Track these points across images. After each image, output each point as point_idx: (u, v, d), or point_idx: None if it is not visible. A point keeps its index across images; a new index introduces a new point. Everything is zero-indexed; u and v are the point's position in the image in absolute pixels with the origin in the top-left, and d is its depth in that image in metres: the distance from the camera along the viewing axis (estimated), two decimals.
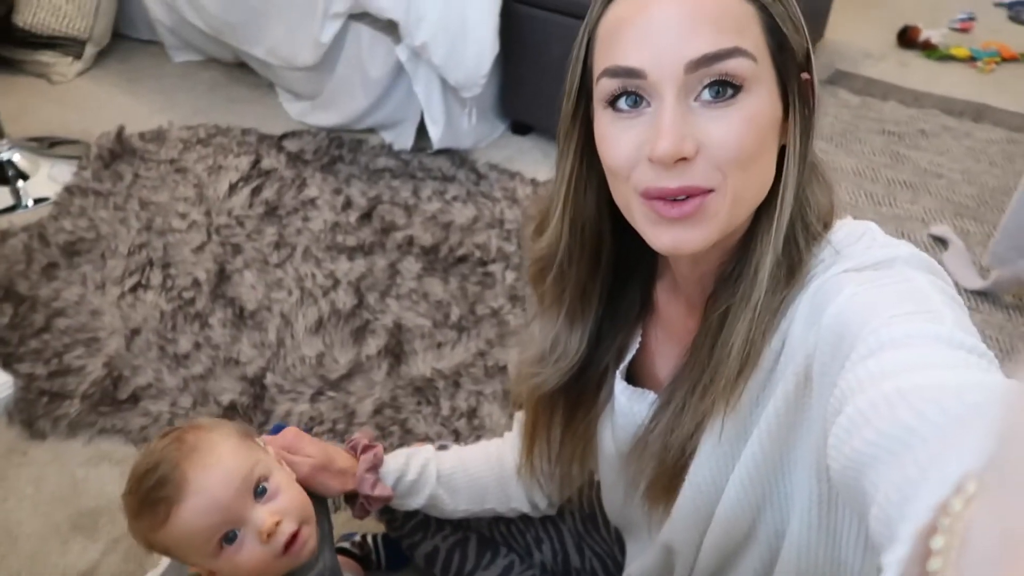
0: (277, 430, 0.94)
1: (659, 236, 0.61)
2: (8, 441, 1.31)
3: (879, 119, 2.42)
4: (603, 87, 0.60)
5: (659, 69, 0.57)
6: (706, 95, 0.57)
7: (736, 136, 0.57)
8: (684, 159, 0.57)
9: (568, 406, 0.83)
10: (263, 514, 0.76)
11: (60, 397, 1.35)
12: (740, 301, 0.63)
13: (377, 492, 0.91)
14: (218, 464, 0.75)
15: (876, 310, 0.53)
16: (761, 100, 0.58)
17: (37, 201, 1.85)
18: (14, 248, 1.67)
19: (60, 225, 1.74)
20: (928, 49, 2.89)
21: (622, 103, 0.59)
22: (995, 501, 0.26)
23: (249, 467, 0.77)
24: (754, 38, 0.58)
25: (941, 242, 1.87)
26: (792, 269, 0.62)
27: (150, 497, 0.73)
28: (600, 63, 0.61)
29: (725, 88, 0.57)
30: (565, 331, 0.77)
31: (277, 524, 0.75)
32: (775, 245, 0.61)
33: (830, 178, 0.66)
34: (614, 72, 0.59)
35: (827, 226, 0.64)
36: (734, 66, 0.56)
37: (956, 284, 1.68)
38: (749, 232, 0.64)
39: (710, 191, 0.58)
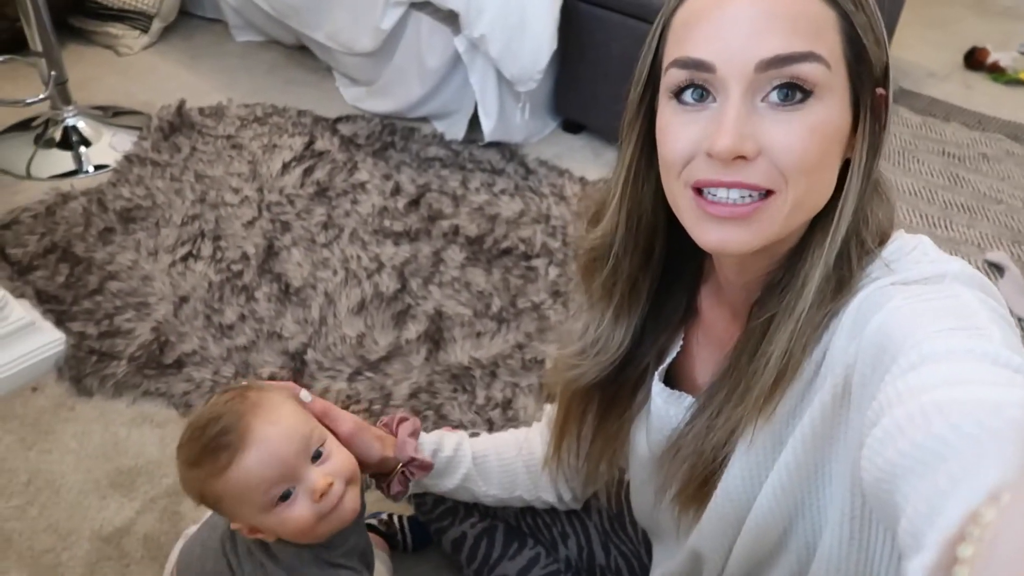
0: None
1: (706, 232, 0.60)
2: (57, 396, 1.35)
3: (940, 140, 2.37)
4: (671, 77, 0.60)
5: (729, 64, 0.56)
6: (774, 97, 0.56)
7: (800, 142, 0.56)
8: (743, 158, 0.56)
9: (603, 403, 0.83)
10: (317, 475, 0.77)
11: (108, 357, 1.39)
12: (784, 312, 0.63)
13: (419, 455, 0.91)
14: (281, 421, 0.77)
15: (920, 324, 0.52)
16: (830, 109, 0.57)
17: (98, 167, 1.90)
18: (73, 211, 1.72)
19: (118, 192, 1.79)
20: (995, 72, 2.82)
21: (688, 95, 0.59)
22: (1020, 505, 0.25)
23: (309, 430, 0.79)
24: (830, 44, 0.57)
25: (997, 268, 1.82)
26: (841, 284, 0.61)
27: (213, 444, 0.74)
28: (671, 53, 0.60)
29: (794, 92, 0.56)
30: (610, 325, 0.77)
31: (330, 485, 0.77)
32: (827, 259, 0.60)
33: (893, 197, 0.65)
34: (683, 63, 0.58)
35: (882, 243, 0.62)
36: (807, 70, 0.56)
37: (1010, 311, 1.64)
38: (802, 242, 0.63)
39: (770, 193, 0.58)
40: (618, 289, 0.75)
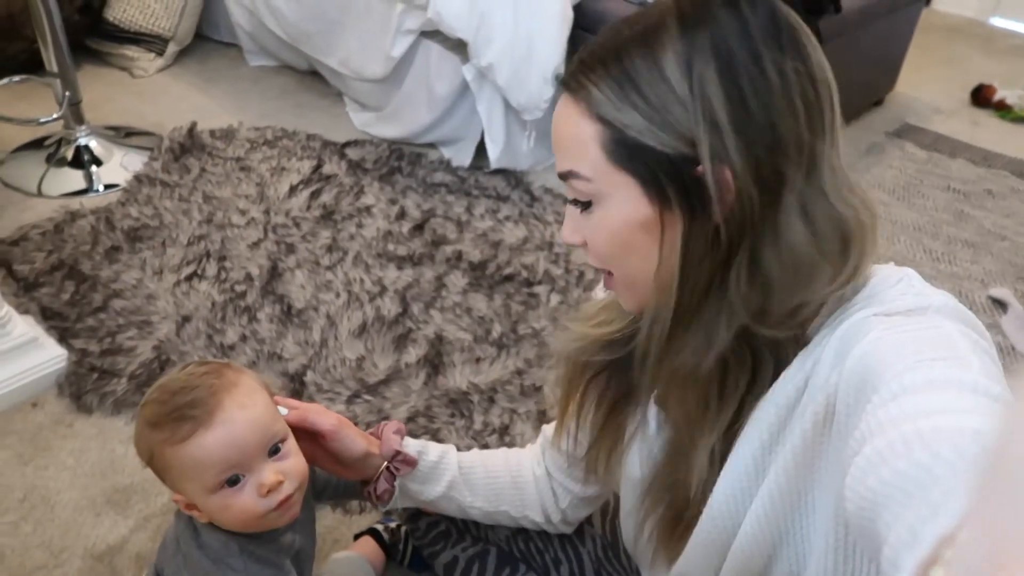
0: None
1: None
2: (56, 412, 1.35)
3: (945, 176, 2.37)
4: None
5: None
6: (579, 206, 0.65)
7: (597, 241, 0.65)
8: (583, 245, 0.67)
9: (615, 393, 0.82)
10: (270, 470, 0.77)
11: (109, 375, 1.40)
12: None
13: (403, 450, 0.90)
14: (252, 407, 0.76)
15: (901, 354, 0.52)
16: (614, 210, 0.63)
17: (108, 186, 1.92)
18: (82, 229, 1.74)
19: (126, 211, 1.81)
20: (1002, 109, 2.83)
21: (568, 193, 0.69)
22: (981, 519, 0.25)
23: (274, 422, 0.79)
24: (592, 158, 0.62)
25: (1000, 304, 1.81)
26: (797, 340, 0.63)
27: (178, 412, 0.73)
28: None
29: (578, 201, 0.65)
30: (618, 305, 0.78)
31: (279, 483, 0.77)
32: (758, 364, 0.65)
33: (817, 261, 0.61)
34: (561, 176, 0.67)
35: (805, 324, 0.62)
36: (577, 185, 0.63)
37: (1013, 348, 1.63)
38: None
39: (609, 272, 0.68)
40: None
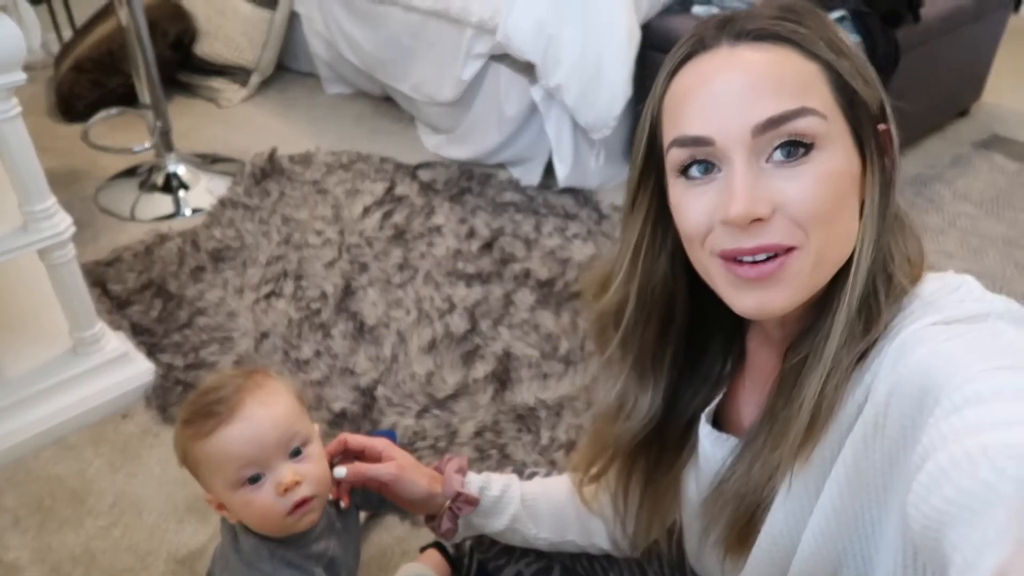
0: (385, 434, 0.98)
1: (741, 299, 0.61)
2: (144, 423, 1.43)
3: None
4: (673, 157, 0.61)
5: (726, 135, 0.58)
6: (778, 155, 0.57)
7: (813, 193, 0.57)
8: (759, 220, 0.57)
9: (649, 462, 0.82)
10: (288, 469, 0.79)
11: (193, 388, 1.46)
12: (814, 354, 0.62)
13: (465, 490, 0.92)
14: (274, 406, 0.79)
15: (964, 364, 0.50)
16: (835, 156, 0.58)
17: (194, 210, 2.02)
18: (169, 251, 1.83)
19: (211, 233, 1.90)
20: None
21: (693, 171, 0.61)
22: None
23: (296, 424, 0.81)
24: (821, 96, 0.58)
25: None
26: (869, 323, 0.60)
27: (204, 409, 0.77)
28: (669, 134, 0.62)
29: (796, 147, 0.57)
30: (634, 389, 0.77)
31: (296, 483, 0.79)
32: (851, 300, 0.60)
33: (918, 230, 0.64)
34: (682, 142, 0.60)
35: (916, 279, 0.61)
36: (803, 125, 0.57)
37: None
38: (829, 285, 0.63)
39: (791, 249, 0.58)
40: (634, 356, 0.75)
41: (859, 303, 0.60)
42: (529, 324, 1.64)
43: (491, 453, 1.35)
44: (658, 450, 0.81)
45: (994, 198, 2.20)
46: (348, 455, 0.96)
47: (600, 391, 0.80)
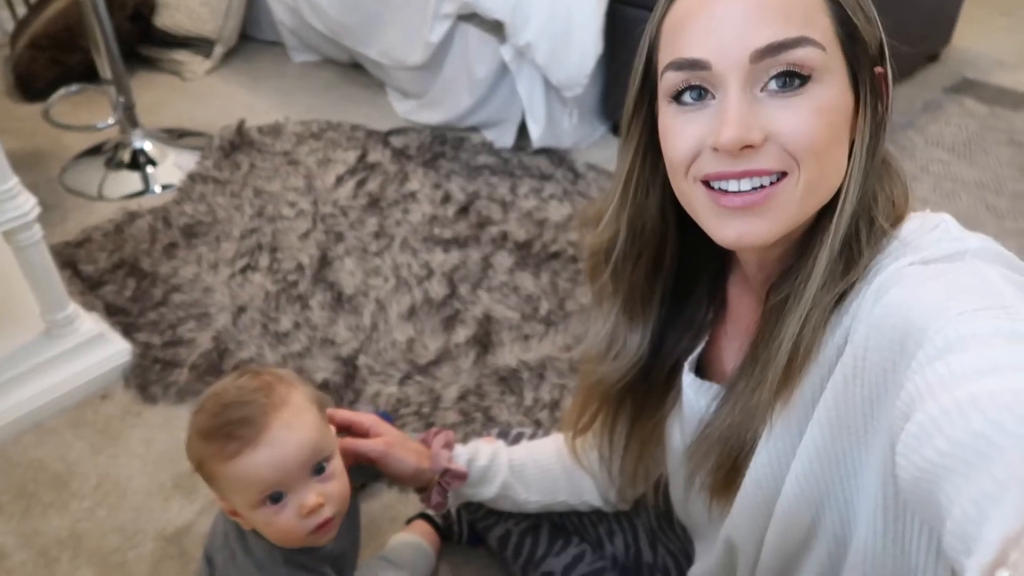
0: (380, 415, 0.97)
1: (722, 228, 0.60)
2: (124, 404, 1.41)
3: (1008, 130, 2.27)
4: (667, 81, 0.60)
5: (723, 59, 0.56)
6: (773, 85, 0.56)
7: (807, 124, 0.56)
8: (750, 147, 0.56)
9: (634, 406, 0.83)
10: (312, 492, 0.78)
11: (171, 366, 1.45)
12: (795, 295, 0.62)
13: (453, 466, 0.92)
14: (300, 428, 0.77)
15: (943, 306, 0.50)
16: (831, 90, 0.57)
17: (164, 187, 1.99)
18: (140, 228, 1.80)
19: (182, 209, 1.87)
20: None
21: (687, 96, 0.59)
22: None
23: (322, 443, 0.79)
24: (823, 27, 0.57)
25: None
26: (849, 264, 0.60)
27: (228, 430, 0.75)
28: (664, 57, 0.61)
29: (793, 78, 0.56)
30: (623, 329, 0.77)
31: (320, 505, 0.78)
32: (834, 241, 0.60)
33: (904, 175, 0.64)
34: (679, 65, 0.59)
35: (897, 222, 0.61)
36: (802, 55, 0.56)
37: None
38: (812, 225, 0.63)
39: (782, 175, 0.57)
40: (623, 294, 0.75)
41: (841, 245, 0.60)
42: (508, 286, 1.63)
43: (475, 416, 1.35)
44: (643, 395, 0.81)
45: (965, 142, 2.21)
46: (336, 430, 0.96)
47: (590, 331, 0.80)
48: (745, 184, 0.58)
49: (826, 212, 0.61)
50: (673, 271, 0.75)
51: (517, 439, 1.08)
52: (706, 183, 0.59)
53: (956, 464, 0.40)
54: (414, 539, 1.14)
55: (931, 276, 0.54)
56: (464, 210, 1.87)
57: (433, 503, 0.94)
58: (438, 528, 1.16)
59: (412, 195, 1.92)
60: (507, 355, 1.47)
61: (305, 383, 0.84)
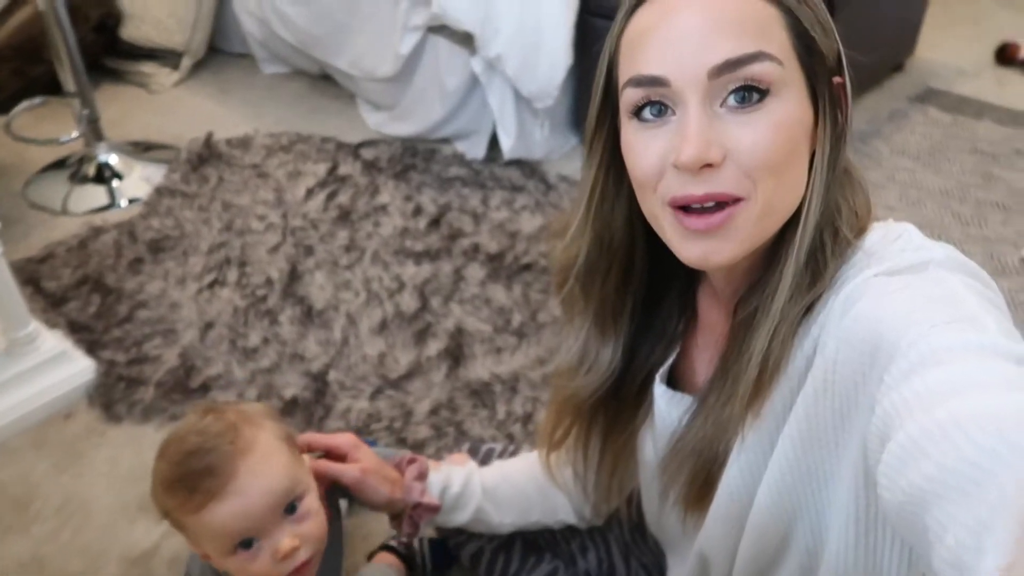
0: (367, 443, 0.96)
1: (688, 249, 0.60)
2: (88, 422, 1.38)
3: (971, 138, 2.31)
4: (628, 97, 0.60)
5: (682, 76, 0.57)
6: (732, 100, 0.57)
7: (764, 140, 0.56)
8: (710, 166, 0.56)
9: (607, 419, 0.83)
10: (286, 536, 0.75)
11: (137, 383, 1.42)
12: (762, 309, 0.62)
13: (425, 500, 0.92)
14: (268, 473, 0.74)
15: (911, 318, 0.50)
16: (789, 104, 0.57)
17: (130, 201, 1.96)
18: (105, 243, 1.77)
19: (148, 223, 1.84)
20: None
21: (647, 113, 0.59)
22: None
23: (292, 484, 0.76)
24: (779, 41, 0.57)
25: None
26: (815, 277, 0.61)
27: (191, 482, 0.72)
28: (624, 73, 0.61)
29: (751, 93, 0.56)
30: (595, 343, 0.77)
31: (295, 548, 0.75)
32: (799, 254, 0.60)
33: (866, 184, 0.65)
34: (638, 81, 0.59)
35: (861, 232, 0.62)
36: (759, 70, 0.56)
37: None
38: (776, 238, 0.63)
39: (739, 200, 0.58)
40: (592, 309, 0.75)
41: (806, 257, 0.60)
42: (480, 299, 1.63)
43: (447, 431, 1.34)
44: (615, 408, 0.81)
45: (930, 150, 2.25)
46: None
47: (562, 345, 0.80)
48: (708, 204, 0.58)
49: (791, 225, 0.62)
50: (643, 282, 0.76)
51: (488, 455, 1.07)
52: (675, 206, 0.60)
53: (946, 491, 0.40)
54: (382, 568, 1.11)
55: (897, 288, 0.55)
56: (435, 222, 1.86)
57: (405, 532, 0.94)
58: (402, 557, 1.13)
59: (383, 208, 1.91)
60: (479, 368, 1.46)
61: (272, 417, 0.81)
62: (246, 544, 0.75)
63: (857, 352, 0.54)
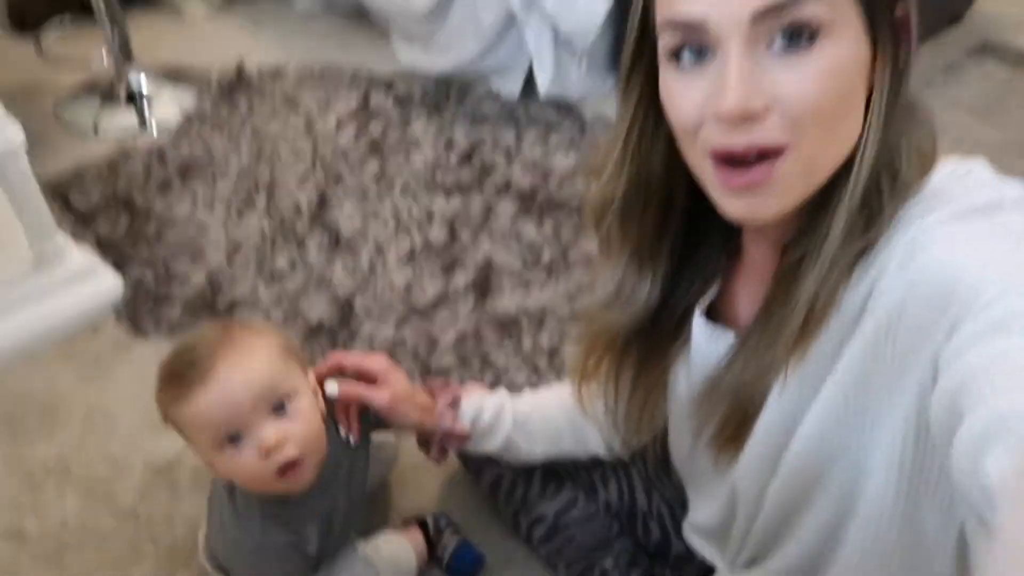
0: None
1: (730, 205, 0.57)
2: (115, 338, 1.38)
3: None
4: (665, 40, 0.56)
5: (721, 20, 0.52)
6: (778, 44, 0.52)
7: (813, 88, 0.52)
8: (752, 116, 0.52)
9: (641, 353, 0.80)
10: (269, 430, 0.76)
11: (164, 301, 1.42)
12: (812, 253, 0.59)
13: (456, 428, 0.91)
14: (248, 366, 0.77)
15: (986, 275, 0.47)
16: (842, 45, 0.52)
17: (160, 125, 1.94)
18: (135, 166, 1.76)
19: (178, 148, 1.83)
20: None
21: (685, 57, 0.55)
22: None
23: (275, 380, 0.78)
24: None
25: None
26: (871, 222, 0.56)
27: (177, 373, 0.76)
28: (661, 13, 0.56)
29: (800, 35, 0.51)
30: (632, 279, 0.73)
31: (280, 444, 0.76)
32: (853, 196, 0.56)
33: (932, 120, 0.60)
34: (674, 24, 0.54)
35: (925, 171, 0.57)
36: (808, 12, 0.51)
37: None
38: (829, 181, 0.58)
39: (782, 151, 0.53)
40: (630, 244, 0.72)
41: (860, 201, 0.56)
42: (510, 234, 1.59)
43: (472, 361, 1.32)
44: (649, 343, 0.78)
45: (986, 105, 2.16)
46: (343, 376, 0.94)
47: (597, 280, 0.77)
48: (751, 155, 0.54)
49: (845, 166, 0.57)
50: (683, 218, 0.72)
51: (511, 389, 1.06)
52: (716, 157, 0.56)
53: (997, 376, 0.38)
54: (401, 543, 1.03)
55: (970, 235, 0.51)
56: (467, 157, 1.83)
57: (433, 457, 0.94)
58: (430, 541, 1.05)
59: (415, 141, 1.88)
60: (507, 301, 1.43)
61: (278, 333, 0.84)
62: (234, 439, 0.76)
63: (925, 301, 0.51)
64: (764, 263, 0.69)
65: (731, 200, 0.57)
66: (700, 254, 0.75)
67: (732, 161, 0.55)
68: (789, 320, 0.60)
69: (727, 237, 0.75)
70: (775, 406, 0.64)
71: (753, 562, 0.78)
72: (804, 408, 0.62)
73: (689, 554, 0.93)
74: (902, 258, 0.53)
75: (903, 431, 0.56)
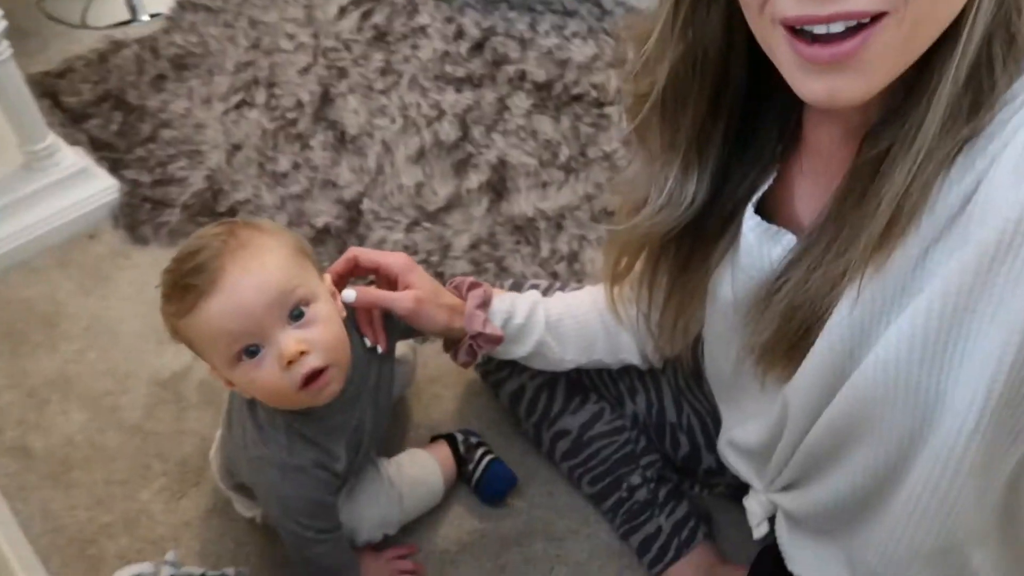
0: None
1: (809, 85, 0.48)
2: (113, 244, 1.32)
3: None
4: None
5: None
6: None
7: None
8: None
9: (679, 256, 0.71)
10: (290, 339, 0.69)
11: (162, 205, 1.35)
12: (901, 143, 0.49)
13: (488, 329, 0.84)
14: (259, 270, 0.69)
15: None
16: None
17: (152, 15, 1.82)
18: (126, 59, 1.65)
19: (171, 39, 1.71)
20: None
21: None
22: None
23: (291, 284, 0.70)
24: None
25: None
26: (978, 104, 0.46)
27: (182, 282, 0.68)
28: None
29: None
30: (676, 177, 0.64)
31: (302, 354, 0.69)
32: (957, 73, 0.46)
33: None
34: None
35: None
36: None
37: None
38: (929, 52, 0.48)
39: (880, 17, 0.43)
40: (680, 139, 0.62)
41: (968, 75, 0.46)
42: (526, 130, 1.50)
43: (488, 267, 1.26)
44: (690, 245, 0.69)
45: None
46: (359, 275, 0.87)
47: (630, 176, 0.68)
48: (836, 26, 0.44)
49: (945, 36, 0.47)
50: (738, 102, 0.62)
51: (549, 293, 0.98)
52: (788, 27, 0.46)
53: None
54: (428, 460, 0.99)
55: None
56: (479, 47, 1.70)
57: (460, 361, 0.86)
58: (459, 456, 1.01)
59: (422, 29, 1.75)
60: (523, 203, 1.36)
61: (287, 231, 0.76)
62: (251, 353, 0.70)
63: None
64: (835, 152, 0.60)
65: (810, 79, 0.48)
66: (756, 141, 0.65)
67: (812, 33, 0.45)
68: (869, 221, 0.51)
69: (784, 119, 0.64)
70: (843, 322, 0.55)
71: (791, 486, 0.73)
72: (879, 326, 0.53)
73: (720, 468, 0.88)
74: (1018, 162, 0.44)
75: (996, 366, 0.47)
